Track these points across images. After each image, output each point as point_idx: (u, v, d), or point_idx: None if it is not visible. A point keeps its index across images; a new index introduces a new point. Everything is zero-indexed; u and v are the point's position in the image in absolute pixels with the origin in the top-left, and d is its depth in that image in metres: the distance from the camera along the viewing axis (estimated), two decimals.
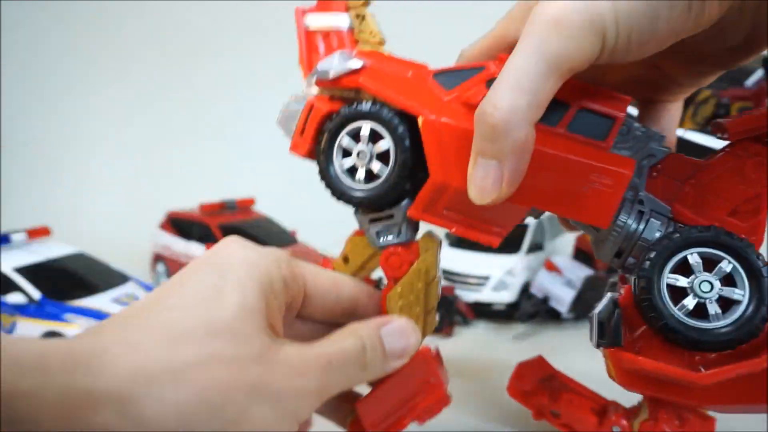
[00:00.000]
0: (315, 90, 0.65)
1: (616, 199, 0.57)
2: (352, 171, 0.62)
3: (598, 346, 0.67)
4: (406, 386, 0.65)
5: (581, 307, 1.43)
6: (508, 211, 0.62)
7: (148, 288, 1.40)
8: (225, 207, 1.86)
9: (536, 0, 0.53)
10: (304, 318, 0.63)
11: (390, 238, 0.64)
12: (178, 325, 0.48)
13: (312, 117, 0.63)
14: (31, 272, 1.32)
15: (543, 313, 1.44)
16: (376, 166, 0.61)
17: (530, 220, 1.64)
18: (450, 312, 1.39)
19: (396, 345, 0.59)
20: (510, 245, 1.57)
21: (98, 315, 1.23)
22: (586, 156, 0.56)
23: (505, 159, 0.49)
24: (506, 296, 1.48)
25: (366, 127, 0.60)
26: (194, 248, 1.71)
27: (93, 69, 2.79)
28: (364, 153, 0.61)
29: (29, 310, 1.25)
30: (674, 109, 0.70)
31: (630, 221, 0.60)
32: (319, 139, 0.62)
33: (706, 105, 1.20)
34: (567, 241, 1.73)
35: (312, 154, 0.65)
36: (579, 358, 1.30)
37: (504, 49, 0.63)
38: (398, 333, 0.59)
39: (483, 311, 1.52)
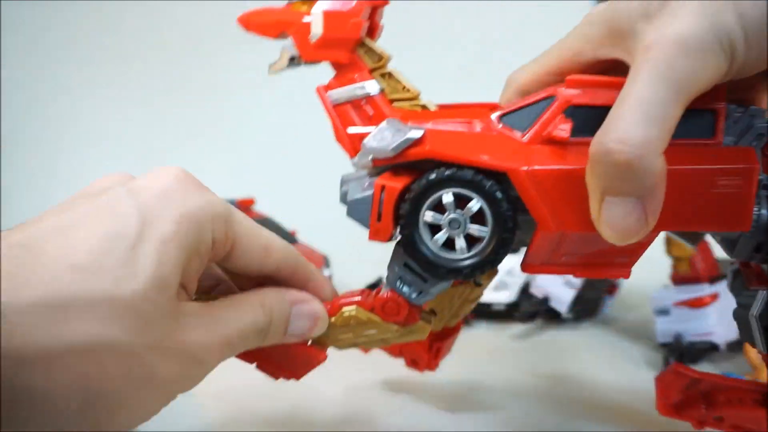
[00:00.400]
0: (363, 164, 0.60)
1: (750, 196, 0.53)
2: (446, 243, 0.58)
3: None
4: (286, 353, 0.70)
5: (581, 307, 1.43)
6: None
7: None
8: None
9: (607, 19, 0.53)
10: (223, 267, 0.62)
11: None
12: (76, 288, 0.43)
13: (387, 199, 0.57)
14: None
15: (543, 313, 1.44)
16: (474, 229, 0.57)
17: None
18: None
19: (300, 328, 0.61)
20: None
21: None
22: (704, 161, 0.53)
23: (646, 194, 0.46)
24: (506, 296, 1.47)
25: (448, 195, 0.56)
26: None
27: (93, 69, 2.79)
28: (457, 221, 0.57)
29: None
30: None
31: (764, 211, 0.56)
32: (400, 220, 0.58)
33: None
34: None
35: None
36: (579, 358, 1.31)
37: (574, 71, 0.59)
38: (308, 317, 0.61)
39: (482, 311, 1.52)
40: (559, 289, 1.43)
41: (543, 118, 0.56)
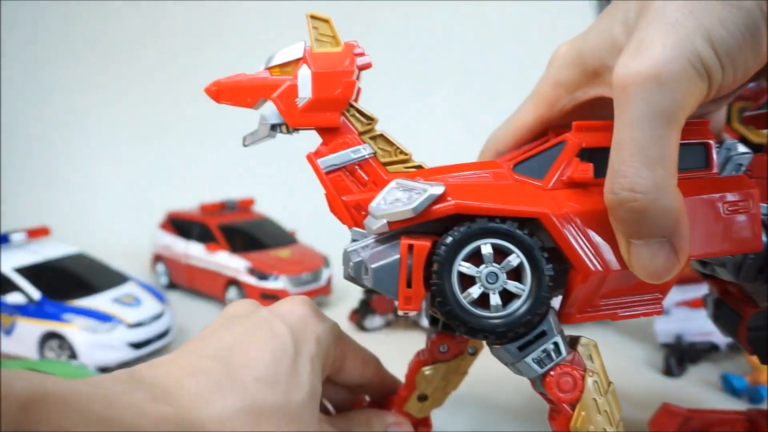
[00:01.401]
0: (377, 229, 0.54)
1: (757, 218, 0.55)
2: (478, 299, 0.54)
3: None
4: None
5: None
6: None
7: (147, 288, 1.40)
8: (225, 207, 1.86)
9: (575, 62, 0.54)
10: (331, 380, 0.70)
11: (555, 358, 0.57)
12: (261, 398, 0.51)
13: (416, 260, 0.52)
14: (30, 272, 1.32)
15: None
16: (512, 285, 0.53)
17: None
18: None
19: None
20: None
21: (98, 315, 1.23)
22: (709, 189, 0.55)
23: (670, 233, 0.46)
24: None
25: (486, 246, 0.52)
26: (194, 248, 1.71)
27: (93, 69, 2.79)
28: (494, 274, 0.53)
29: (29, 310, 1.25)
30: (721, 114, 0.67)
31: (763, 238, 0.58)
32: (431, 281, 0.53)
33: None
34: None
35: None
36: None
37: (553, 121, 0.60)
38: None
39: None
40: None
41: (558, 163, 0.55)
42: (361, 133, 0.58)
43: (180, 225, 1.81)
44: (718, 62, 0.43)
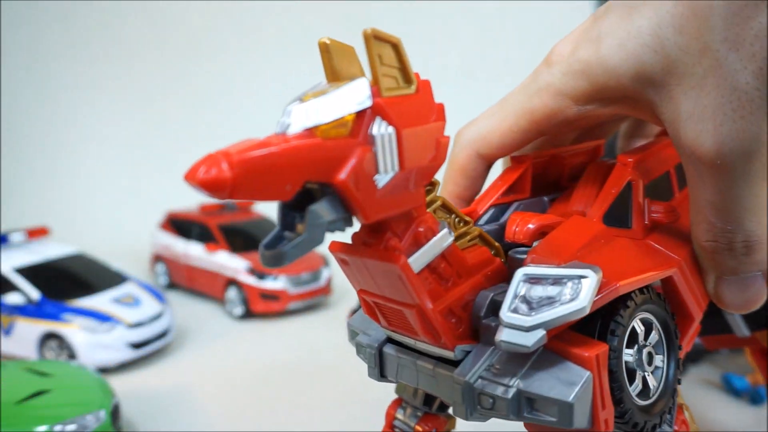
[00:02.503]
0: (535, 344, 0.40)
1: None
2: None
3: None
4: None
5: None
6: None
7: (147, 288, 1.40)
8: (225, 207, 1.86)
9: (590, 77, 0.51)
10: None
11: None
12: None
13: (603, 370, 0.42)
14: (30, 272, 1.31)
15: None
16: (658, 360, 0.47)
17: None
18: None
19: None
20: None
21: (97, 315, 1.23)
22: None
23: (764, 266, 0.49)
24: None
25: (637, 323, 0.45)
26: (194, 248, 1.71)
27: (93, 69, 2.79)
28: (650, 354, 0.46)
29: (28, 310, 1.25)
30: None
31: None
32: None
33: None
34: None
35: None
36: None
37: (551, 129, 0.56)
38: None
39: None
40: None
41: (636, 207, 0.51)
42: (428, 204, 0.43)
43: (180, 225, 1.81)
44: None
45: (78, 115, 2.79)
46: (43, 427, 0.82)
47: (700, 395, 1.11)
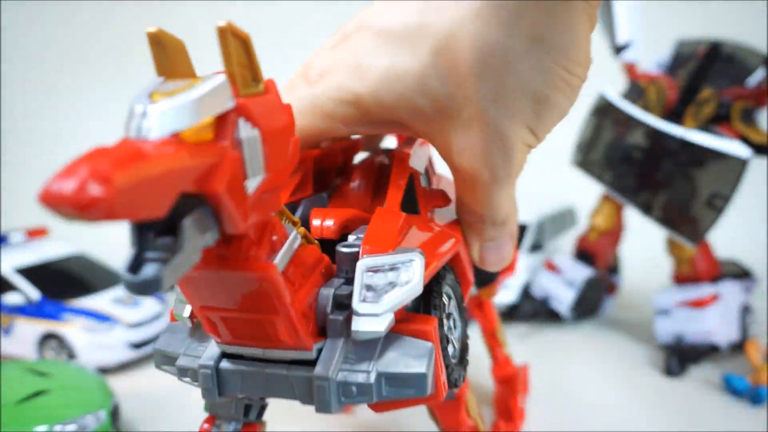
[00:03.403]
0: (387, 327, 0.44)
1: None
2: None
3: None
4: None
5: (581, 307, 1.43)
6: None
7: None
8: None
9: (360, 106, 0.55)
10: None
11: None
12: None
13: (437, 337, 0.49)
14: (30, 272, 1.31)
15: (543, 313, 1.44)
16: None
17: (530, 220, 1.64)
18: None
19: None
20: None
21: (97, 315, 1.23)
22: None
23: (513, 232, 0.63)
24: (507, 296, 1.47)
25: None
26: None
27: (93, 69, 2.79)
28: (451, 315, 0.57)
29: (28, 310, 1.25)
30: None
31: None
32: None
33: (707, 104, 1.19)
34: (567, 241, 1.73)
35: None
36: (579, 358, 1.31)
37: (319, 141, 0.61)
38: None
39: None
40: (559, 289, 1.43)
41: (420, 195, 0.61)
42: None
43: None
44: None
45: (78, 115, 2.79)
46: (43, 427, 0.82)
47: (700, 395, 1.11)
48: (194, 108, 0.32)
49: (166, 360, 0.54)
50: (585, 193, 1.81)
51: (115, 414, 0.92)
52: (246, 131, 0.35)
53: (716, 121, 1.21)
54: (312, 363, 0.45)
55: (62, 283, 1.32)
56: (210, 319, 0.43)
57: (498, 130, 0.51)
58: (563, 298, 1.41)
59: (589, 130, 1.35)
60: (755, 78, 1.20)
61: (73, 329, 1.20)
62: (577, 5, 0.47)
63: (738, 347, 1.24)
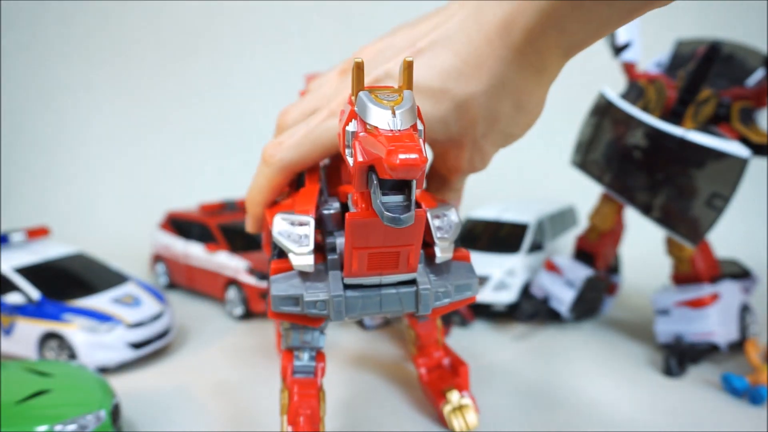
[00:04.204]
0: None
1: None
2: None
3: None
4: None
5: (581, 307, 1.43)
6: None
7: (147, 288, 1.40)
8: (225, 207, 1.86)
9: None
10: None
11: None
12: None
13: None
14: (30, 272, 1.32)
15: (543, 313, 1.44)
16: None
17: (530, 220, 1.64)
18: (448, 312, 1.39)
19: None
20: (510, 245, 1.56)
21: (97, 315, 1.23)
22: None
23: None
24: (507, 296, 1.47)
25: None
26: (194, 248, 1.71)
27: (93, 69, 2.79)
28: None
29: (28, 310, 1.25)
30: None
31: None
32: None
33: (706, 104, 1.19)
34: (567, 241, 1.73)
35: None
36: (579, 358, 1.31)
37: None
38: None
39: (482, 311, 1.52)
40: (559, 289, 1.43)
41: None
42: None
43: (180, 225, 1.81)
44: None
45: (78, 115, 2.79)
46: (44, 427, 0.82)
47: (700, 395, 1.11)
48: (414, 109, 0.55)
49: (286, 302, 0.69)
50: (585, 193, 1.82)
51: (115, 414, 0.92)
52: (421, 125, 0.57)
53: (716, 122, 1.21)
54: (411, 283, 0.66)
55: (63, 283, 1.32)
56: (357, 256, 0.61)
57: (482, 150, 0.80)
58: (563, 298, 1.41)
59: (589, 130, 1.35)
60: (755, 78, 1.20)
61: (73, 329, 1.20)
62: (547, 81, 0.72)
63: (737, 347, 1.24)
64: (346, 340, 1.36)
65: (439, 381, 1.00)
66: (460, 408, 0.94)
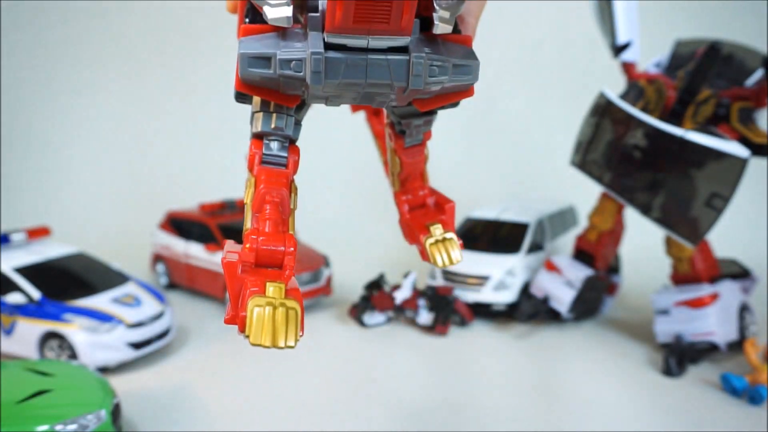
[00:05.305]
0: None
1: None
2: None
3: None
4: None
5: (581, 307, 1.43)
6: None
7: (147, 288, 1.40)
8: (225, 207, 1.86)
9: None
10: None
11: None
12: None
13: None
14: (30, 272, 1.32)
15: (543, 313, 1.44)
16: None
17: (530, 220, 1.64)
18: (447, 311, 1.39)
19: None
20: (510, 245, 1.56)
21: (98, 315, 1.23)
22: None
23: None
24: (506, 296, 1.47)
25: None
26: (194, 248, 1.71)
27: (93, 69, 2.79)
28: None
29: (29, 310, 1.25)
30: None
31: None
32: None
33: (706, 105, 1.20)
34: (567, 241, 1.73)
35: None
36: (579, 358, 1.31)
37: None
38: None
39: (482, 311, 1.52)
40: (559, 289, 1.43)
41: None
42: None
43: (180, 225, 1.81)
44: None
45: (78, 115, 2.79)
46: (44, 427, 0.82)
47: (699, 395, 1.11)
48: None
49: (256, 62, 0.65)
50: (585, 193, 1.82)
51: (115, 413, 0.92)
52: None
53: (715, 122, 1.21)
54: (403, 51, 0.54)
55: (63, 283, 1.32)
56: (343, 2, 0.50)
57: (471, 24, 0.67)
58: (563, 297, 1.41)
59: (589, 130, 1.35)
60: (754, 78, 1.20)
61: (74, 329, 1.20)
62: None
63: (737, 347, 1.25)
64: (345, 339, 1.36)
65: (422, 217, 0.95)
66: (443, 241, 0.90)
